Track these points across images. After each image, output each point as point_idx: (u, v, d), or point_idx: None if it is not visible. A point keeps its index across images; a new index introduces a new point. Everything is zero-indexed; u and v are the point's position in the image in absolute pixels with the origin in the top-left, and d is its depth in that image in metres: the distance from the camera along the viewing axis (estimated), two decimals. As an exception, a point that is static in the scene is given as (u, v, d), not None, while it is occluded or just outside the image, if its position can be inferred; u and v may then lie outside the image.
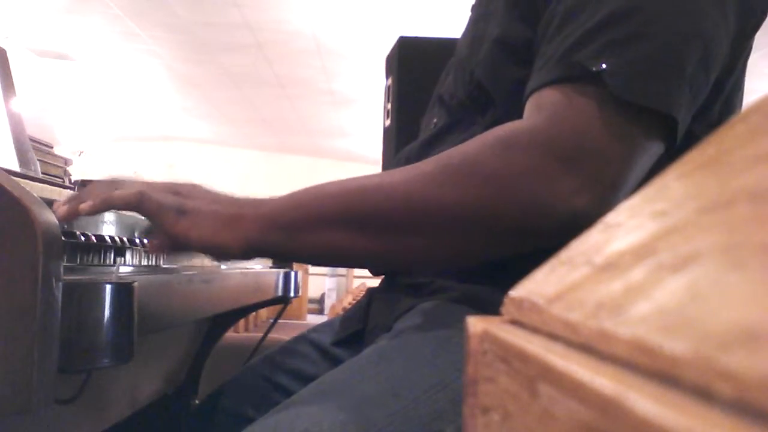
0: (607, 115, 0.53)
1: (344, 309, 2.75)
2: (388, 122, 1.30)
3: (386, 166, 1.29)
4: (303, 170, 9.05)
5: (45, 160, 1.46)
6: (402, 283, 0.75)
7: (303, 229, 0.57)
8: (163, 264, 0.78)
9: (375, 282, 0.87)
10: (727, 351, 0.12)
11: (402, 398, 0.54)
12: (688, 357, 0.13)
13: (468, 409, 0.23)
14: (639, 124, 0.54)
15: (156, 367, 1.21)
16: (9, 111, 1.11)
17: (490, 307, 0.27)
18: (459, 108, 0.72)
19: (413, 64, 1.26)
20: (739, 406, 0.11)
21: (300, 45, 5.28)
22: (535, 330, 0.21)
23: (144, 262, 0.73)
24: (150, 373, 1.18)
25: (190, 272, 0.77)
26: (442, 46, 1.20)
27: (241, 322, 2.80)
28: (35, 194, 0.46)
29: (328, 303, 8.34)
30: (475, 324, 0.23)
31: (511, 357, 0.20)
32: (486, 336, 0.23)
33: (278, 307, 1.28)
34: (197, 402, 1.27)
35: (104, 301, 0.47)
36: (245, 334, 2.55)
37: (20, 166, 1.08)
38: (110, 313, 0.48)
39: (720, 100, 0.62)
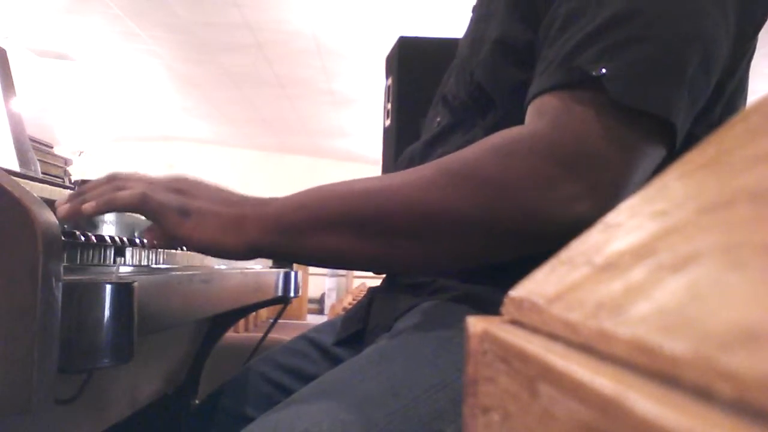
0: (607, 120, 0.53)
1: (344, 309, 2.75)
2: (388, 122, 1.30)
3: (386, 166, 1.29)
4: (303, 170, 9.05)
5: (45, 160, 1.46)
6: (403, 283, 0.75)
7: (305, 232, 0.57)
8: (163, 264, 0.78)
9: (375, 282, 0.87)
10: (727, 351, 0.12)
11: (402, 398, 0.54)
12: (688, 357, 0.13)
13: (468, 409, 0.23)
14: (638, 129, 0.54)
15: (156, 367, 1.21)
16: (9, 111, 1.11)
17: (491, 307, 0.27)
18: (461, 108, 0.72)
19: (413, 64, 1.26)
20: (739, 406, 0.11)
21: (300, 45, 5.28)
22: (535, 330, 0.21)
23: (144, 262, 0.73)
24: (150, 373, 1.18)
25: (190, 272, 0.77)
26: (442, 46, 1.20)
27: (241, 322, 2.80)
28: (35, 194, 0.46)
29: (328, 303, 8.33)
30: (475, 324, 0.23)
31: (511, 357, 0.20)
32: (486, 336, 0.23)
33: (278, 307, 1.28)
34: (197, 402, 1.27)
35: (104, 301, 0.47)
36: (245, 334, 2.55)
37: (20, 166, 1.08)
38: (110, 313, 0.48)
39: (721, 102, 0.62)
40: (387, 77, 1.32)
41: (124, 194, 0.57)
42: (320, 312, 8.41)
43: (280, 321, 1.37)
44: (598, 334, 0.17)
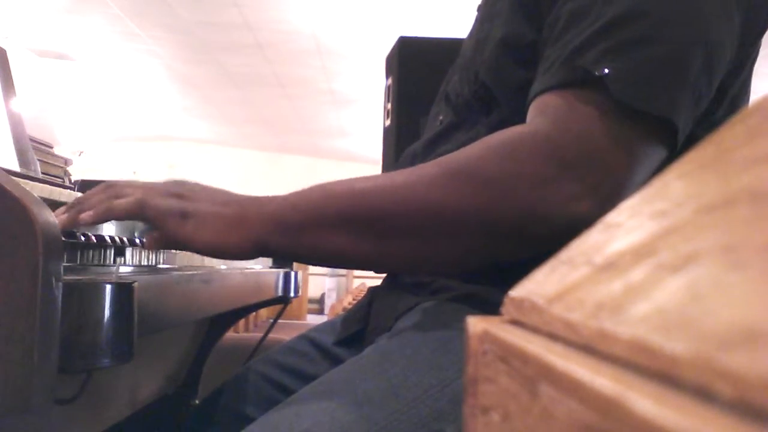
0: (609, 120, 0.53)
1: (344, 309, 2.75)
2: (388, 122, 1.30)
3: (386, 165, 1.29)
4: (303, 170, 9.05)
5: (45, 160, 1.46)
6: (403, 283, 0.75)
7: (306, 231, 0.57)
8: (163, 264, 0.78)
9: (375, 282, 0.87)
10: (727, 351, 0.12)
11: (402, 398, 0.54)
12: (688, 357, 0.13)
13: (468, 409, 0.23)
14: (640, 130, 0.54)
15: (156, 367, 1.21)
16: (9, 111, 1.11)
17: (492, 307, 0.27)
18: (464, 107, 0.72)
19: (413, 64, 1.26)
20: (739, 406, 0.11)
21: (300, 45, 5.28)
22: (535, 330, 0.21)
23: (144, 262, 0.73)
24: (150, 373, 1.18)
25: (190, 272, 0.77)
26: (442, 46, 1.20)
27: (241, 322, 2.80)
28: (35, 194, 0.46)
29: (328, 303, 8.33)
30: (476, 324, 0.23)
31: (511, 357, 0.20)
32: (486, 336, 0.23)
33: (278, 307, 1.28)
34: (197, 402, 1.27)
35: (104, 301, 0.47)
36: (245, 334, 2.55)
37: (20, 166, 1.08)
38: (110, 313, 0.48)
39: (724, 104, 0.62)
40: (387, 77, 1.32)
41: (121, 202, 0.57)
42: (320, 312, 8.41)
43: (280, 321, 1.37)
44: (598, 334, 0.17)
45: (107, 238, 0.64)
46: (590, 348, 0.17)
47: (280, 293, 1.19)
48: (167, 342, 1.21)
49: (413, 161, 0.77)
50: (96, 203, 0.58)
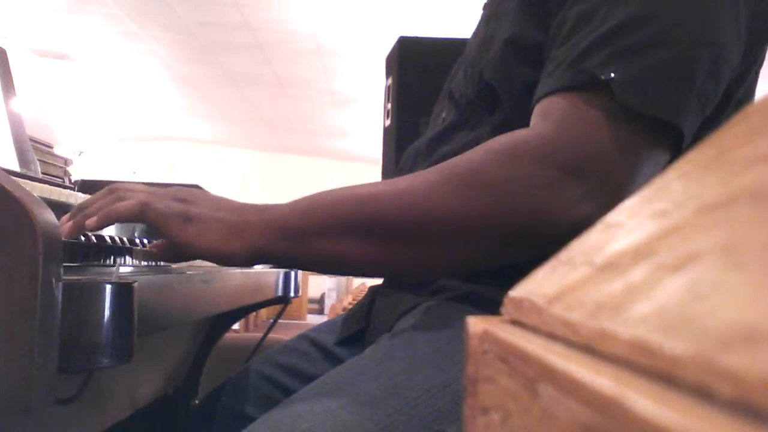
0: (614, 124, 0.53)
1: (344, 309, 2.75)
2: (388, 122, 1.30)
3: (386, 165, 1.29)
4: (303, 170, 9.05)
5: (45, 160, 1.46)
6: (404, 283, 0.75)
7: (308, 237, 0.56)
8: (163, 264, 0.78)
9: (375, 281, 0.87)
10: (727, 351, 0.12)
11: (404, 398, 0.54)
12: (688, 357, 0.13)
13: (468, 409, 0.23)
14: (646, 134, 0.54)
15: (156, 367, 1.21)
16: (9, 111, 1.11)
17: (493, 307, 0.27)
18: (468, 106, 0.72)
19: (413, 64, 1.26)
20: (739, 406, 0.11)
21: (300, 45, 5.28)
22: (535, 330, 0.21)
23: (144, 262, 0.73)
24: (150, 373, 1.18)
25: (190, 272, 0.77)
26: (442, 46, 1.20)
27: (241, 322, 2.80)
28: (35, 194, 0.46)
29: (328, 303, 8.33)
30: (476, 324, 0.23)
31: (511, 357, 0.20)
32: (486, 336, 0.23)
33: (278, 307, 1.28)
34: (197, 402, 1.27)
35: (104, 301, 0.47)
36: (245, 334, 2.55)
37: (20, 166, 1.08)
38: (110, 313, 0.48)
39: (729, 108, 0.62)
40: (387, 77, 1.32)
41: (124, 204, 0.57)
42: (320, 312, 8.41)
43: (280, 321, 1.37)
44: (598, 334, 0.17)
45: (107, 238, 0.64)
46: (590, 348, 0.17)
47: (280, 293, 1.19)
48: (167, 342, 1.21)
49: (416, 159, 0.77)
50: (99, 208, 0.58)
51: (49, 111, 7.11)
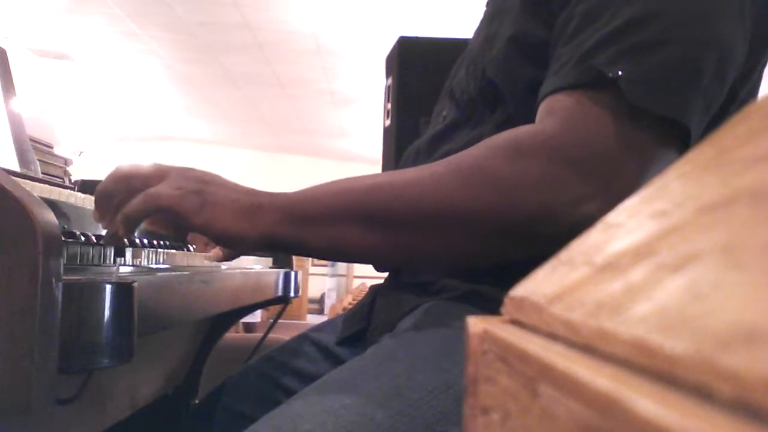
0: (621, 122, 0.53)
1: (344, 309, 2.75)
2: (388, 122, 1.30)
3: (386, 165, 1.29)
4: (303, 170, 9.04)
5: (45, 160, 1.46)
6: (406, 282, 0.75)
7: (318, 223, 0.57)
8: (163, 264, 0.78)
9: (376, 281, 0.87)
10: (727, 351, 0.12)
11: (406, 399, 0.54)
12: (688, 357, 0.13)
13: (468, 409, 0.23)
14: (652, 132, 0.54)
15: (156, 367, 1.21)
16: (9, 111, 1.11)
17: (495, 307, 0.27)
18: (470, 104, 0.72)
19: (413, 64, 1.26)
20: (739, 406, 0.11)
21: (300, 45, 5.28)
22: (535, 330, 0.21)
23: (144, 263, 0.73)
24: (150, 373, 1.18)
25: (190, 272, 0.77)
26: (442, 46, 1.20)
27: (241, 322, 2.79)
28: (35, 194, 0.46)
29: (328, 303, 8.33)
30: (476, 324, 0.23)
31: (511, 357, 0.20)
32: (486, 336, 0.23)
33: (278, 307, 1.28)
34: (197, 402, 1.27)
35: (104, 301, 0.47)
36: (245, 334, 2.55)
37: (20, 166, 1.08)
38: (110, 313, 0.48)
39: (734, 107, 0.62)
40: (387, 77, 1.32)
41: (134, 205, 0.57)
42: (320, 312, 8.41)
43: (280, 321, 1.37)
44: (598, 334, 0.17)
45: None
46: (590, 348, 0.17)
47: (280, 293, 1.19)
48: (167, 342, 1.21)
49: (416, 158, 0.77)
50: (121, 217, 0.58)
51: (49, 111, 7.11)
